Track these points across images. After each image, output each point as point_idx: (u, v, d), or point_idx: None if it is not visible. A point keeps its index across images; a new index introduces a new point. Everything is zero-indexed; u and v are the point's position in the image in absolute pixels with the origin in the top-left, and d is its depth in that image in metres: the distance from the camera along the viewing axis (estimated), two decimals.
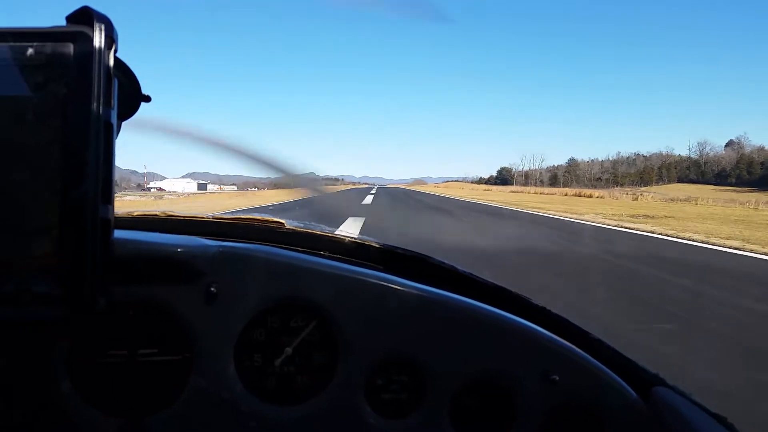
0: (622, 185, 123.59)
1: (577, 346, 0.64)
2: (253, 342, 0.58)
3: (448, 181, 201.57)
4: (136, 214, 0.67)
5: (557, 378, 0.62)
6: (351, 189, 57.38)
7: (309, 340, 0.60)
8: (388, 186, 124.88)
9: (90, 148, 0.35)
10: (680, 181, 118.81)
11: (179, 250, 0.54)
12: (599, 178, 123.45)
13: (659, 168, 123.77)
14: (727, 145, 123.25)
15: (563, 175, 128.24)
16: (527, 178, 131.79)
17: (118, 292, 0.50)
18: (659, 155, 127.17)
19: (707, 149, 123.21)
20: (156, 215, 0.67)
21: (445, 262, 0.71)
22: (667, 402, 0.62)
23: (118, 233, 0.43)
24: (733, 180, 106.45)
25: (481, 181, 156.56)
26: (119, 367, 0.55)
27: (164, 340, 0.56)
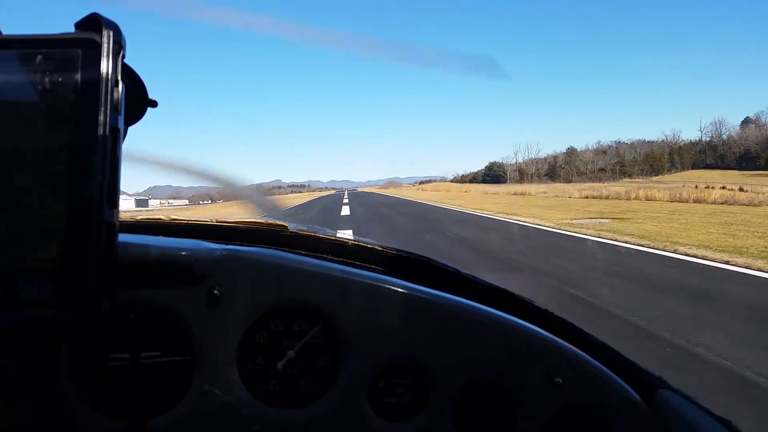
0: (630, 175, 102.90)
1: (580, 348, 0.65)
2: (255, 345, 0.59)
3: (423, 182, 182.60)
4: (139, 218, 0.68)
5: (561, 381, 0.62)
6: (317, 198, 44.39)
7: (312, 343, 0.60)
8: (358, 190, 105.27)
9: (97, 152, 0.36)
10: (695, 167, 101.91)
11: (182, 253, 0.54)
12: (603, 169, 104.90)
13: (669, 154, 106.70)
14: (743, 123, 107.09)
15: (562, 168, 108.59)
16: (522, 174, 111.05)
17: (121, 295, 0.51)
18: (665, 142, 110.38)
19: (723, 130, 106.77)
20: (159, 219, 0.68)
21: (448, 264, 0.72)
22: (671, 405, 0.62)
23: (122, 237, 0.43)
24: (763, 162, 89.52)
25: (464, 179, 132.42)
26: (122, 370, 0.55)
27: (167, 343, 0.56)
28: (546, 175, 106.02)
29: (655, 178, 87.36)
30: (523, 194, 36.86)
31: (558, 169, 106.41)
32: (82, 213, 0.36)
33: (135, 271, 0.52)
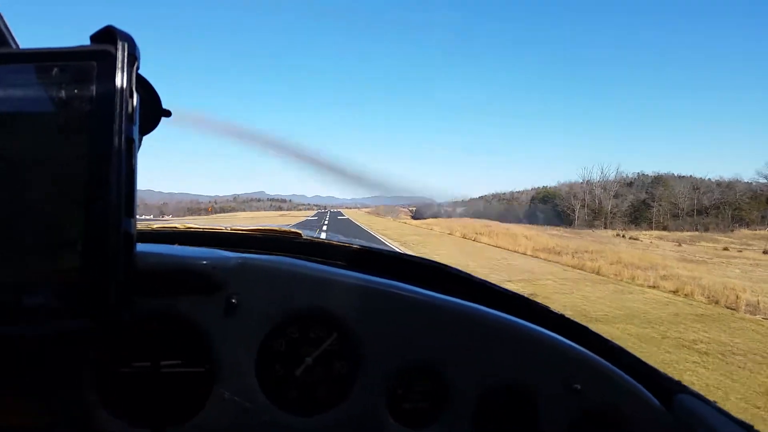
0: (747, 223, 61.77)
1: (597, 354, 0.64)
2: (273, 352, 0.59)
3: (415, 206, 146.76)
4: (155, 226, 0.69)
5: (579, 387, 0.61)
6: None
7: (329, 350, 0.60)
8: (343, 213, 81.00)
9: (113, 163, 0.36)
10: None
11: (200, 262, 0.55)
12: (705, 211, 66.43)
13: None
14: None
15: (648, 205, 66.99)
16: (597, 212, 67.68)
17: (141, 304, 0.51)
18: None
19: None
20: (176, 228, 0.69)
21: (462, 270, 0.72)
22: (691, 409, 0.61)
23: (141, 246, 0.44)
24: None
25: (481, 211, 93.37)
26: (143, 378, 0.55)
27: (187, 351, 0.56)
28: (628, 215, 65.22)
29: None
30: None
31: (642, 207, 65.40)
32: (101, 223, 0.36)
33: (154, 280, 0.53)
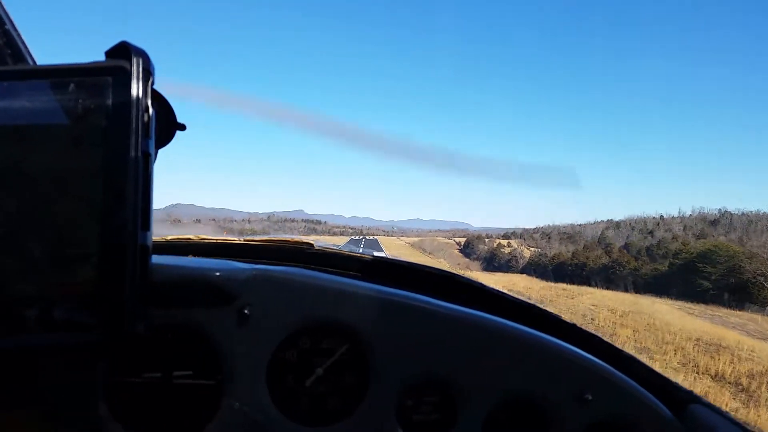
0: None
1: (608, 363, 0.64)
2: (285, 363, 0.59)
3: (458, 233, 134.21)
4: (169, 238, 0.70)
5: (590, 397, 0.61)
6: None
7: (340, 361, 0.60)
8: (380, 242, 67.49)
9: (129, 177, 0.36)
10: None
11: (213, 274, 0.55)
12: None
13: None
14: None
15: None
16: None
17: (155, 316, 0.51)
18: None
19: None
20: (189, 239, 0.70)
21: (473, 280, 0.72)
22: (703, 420, 0.61)
23: (155, 258, 0.44)
24: None
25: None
26: (155, 389, 0.56)
27: (198, 361, 0.57)
28: (731, 290, 32.92)
29: None
30: None
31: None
32: (117, 237, 0.36)
33: (168, 292, 0.53)
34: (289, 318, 0.58)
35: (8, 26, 0.46)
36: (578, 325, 0.68)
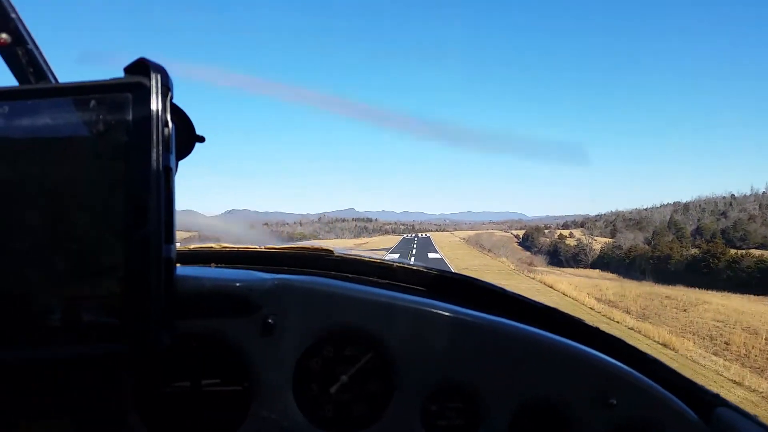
0: None
1: (632, 367, 0.63)
2: (309, 371, 0.60)
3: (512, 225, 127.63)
4: (192, 247, 0.71)
5: (615, 402, 0.60)
6: None
7: (364, 368, 0.61)
8: (434, 242, 60.51)
9: (151, 191, 0.37)
10: None
11: (237, 284, 0.56)
12: None
13: None
14: None
15: None
16: None
17: (180, 327, 0.52)
18: None
19: None
20: (212, 248, 0.71)
21: (494, 284, 0.72)
22: (731, 424, 0.60)
23: (180, 269, 0.45)
24: None
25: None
26: (183, 398, 0.57)
27: (225, 371, 0.58)
28: None
29: None
30: None
31: None
32: (141, 250, 0.37)
33: (193, 303, 0.54)
34: (312, 327, 0.58)
35: (30, 45, 0.47)
36: (601, 329, 0.68)
